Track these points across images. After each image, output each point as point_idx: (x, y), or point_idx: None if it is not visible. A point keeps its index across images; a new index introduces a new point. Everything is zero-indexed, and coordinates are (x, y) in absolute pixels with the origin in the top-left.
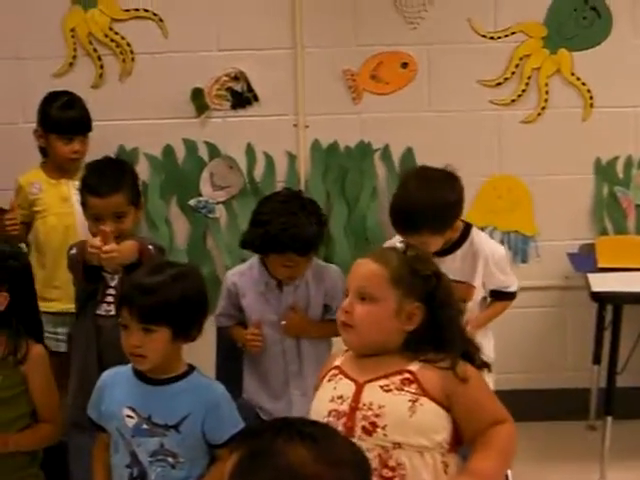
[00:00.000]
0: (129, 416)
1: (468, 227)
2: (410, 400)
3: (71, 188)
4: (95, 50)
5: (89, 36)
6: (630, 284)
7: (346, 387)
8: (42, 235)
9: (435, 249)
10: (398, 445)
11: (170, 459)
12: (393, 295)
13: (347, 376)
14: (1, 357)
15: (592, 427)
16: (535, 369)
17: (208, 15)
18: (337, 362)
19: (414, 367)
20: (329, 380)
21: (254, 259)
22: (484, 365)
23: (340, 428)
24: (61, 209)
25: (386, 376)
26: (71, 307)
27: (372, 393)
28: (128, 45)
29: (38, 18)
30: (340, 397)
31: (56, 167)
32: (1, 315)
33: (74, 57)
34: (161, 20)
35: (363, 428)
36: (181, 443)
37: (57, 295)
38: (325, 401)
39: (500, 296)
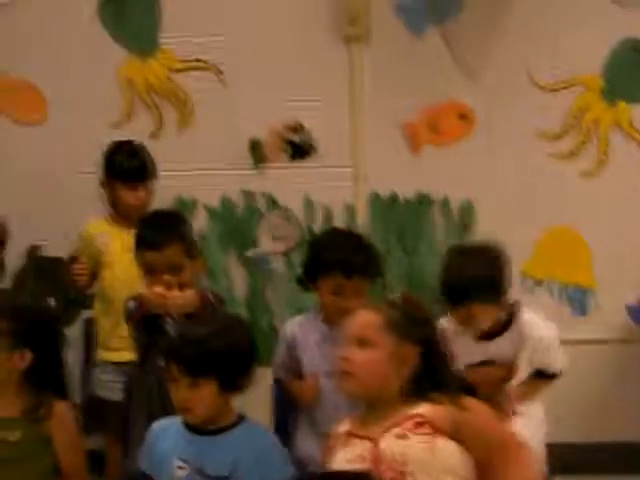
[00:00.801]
0: (180, 467)
1: (515, 307)
2: (426, 442)
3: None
4: (153, 100)
5: (147, 86)
6: None
7: (362, 446)
8: (108, 285)
9: (486, 324)
10: None
11: None
12: (388, 340)
13: (359, 436)
14: (22, 413)
15: None
16: (595, 422)
17: (267, 65)
18: (344, 427)
19: (421, 409)
20: (342, 446)
21: (312, 311)
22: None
23: None
24: (127, 259)
25: (398, 424)
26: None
27: (390, 444)
28: (186, 95)
29: (96, 68)
30: (360, 456)
31: (122, 217)
32: (26, 372)
33: (132, 107)
34: (220, 71)
35: (392, 479)
36: None
37: (121, 345)
38: (346, 465)
39: (541, 374)
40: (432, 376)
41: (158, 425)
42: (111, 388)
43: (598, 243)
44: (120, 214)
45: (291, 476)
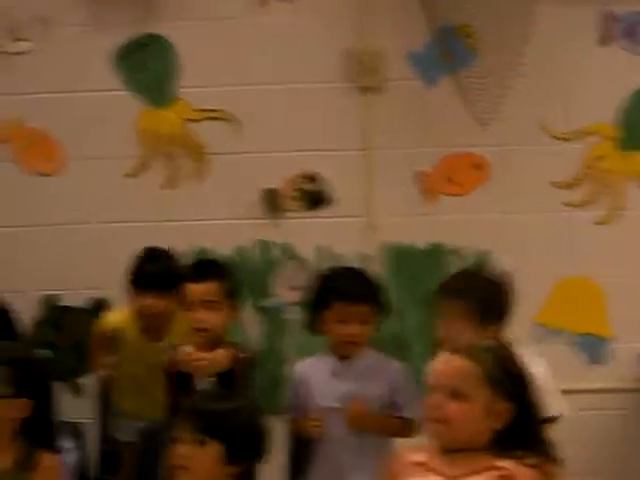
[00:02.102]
0: None
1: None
2: None
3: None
4: (169, 150)
5: (163, 136)
6: None
7: None
8: (125, 369)
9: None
10: None
11: None
12: (484, 394)
13: (435, 471)
14: (14, 464)
15: None
16: (610, 472)
17: (282, 115)
18: (419, 458)
19: (505, 463)
20: (415, 476)
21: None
22: (561, 461)
23: None
24: (149, 364)
25: (477, 472)
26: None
27: None
28: (202, 145)
29: (112, 118)
30: None
31: (144, 325)
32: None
33: (147, 157)
34: (234, 121)
35: None
36: None
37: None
38: None
39: None
40: (520, 434)
41: None
42: (126, 431)
43: (613, 292)
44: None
45: None
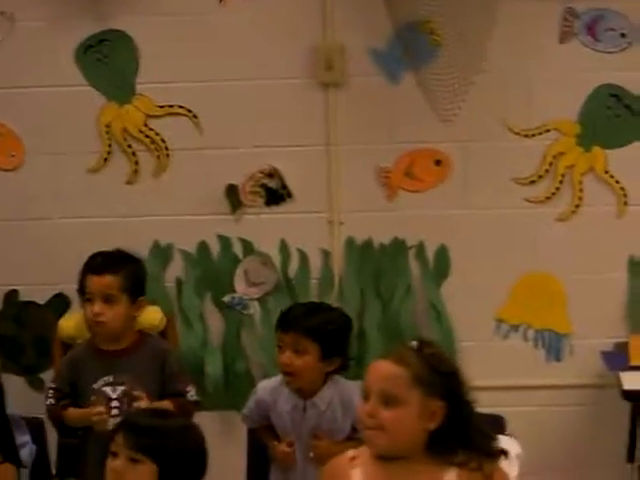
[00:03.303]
0: None
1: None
2: None
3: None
4: (130, 146)
5: (124, 132)
6: None
7: None
8: None
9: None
10: None
11: None
12: (416, 396)
13: None
14: None
15: None
16: (569, 467)
17: (242, 112)
18: (357, 478)
19: (451, 477)
20: None
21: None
22: (503, 453)
23: None
24: None
25: None
26: None
27: None
28: (163, 141)
29: (74, 113)
30: None
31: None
32: None
33: (109, 153)
34: (195, 116)
35: None
36: None
37: None
38: None
39: None
40: (458, 432)
41: None
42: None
43: (574, 288)
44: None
45: None
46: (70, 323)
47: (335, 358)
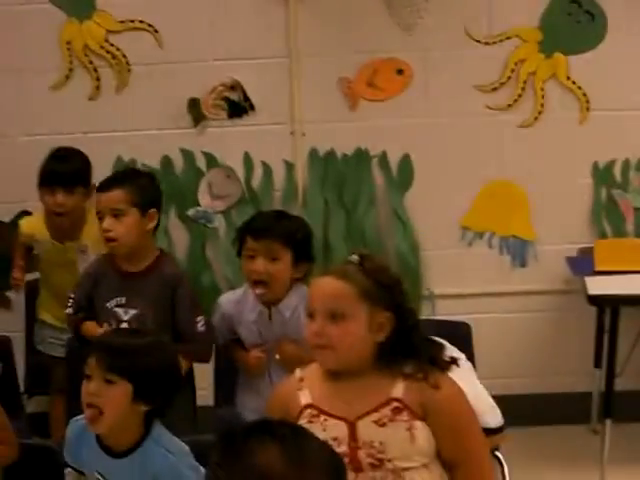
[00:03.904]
0: None
1: None
2: (407, 429)
3: (77, 253)
4: (91, 62)
5: (85, 48)
6: (627, 286)
7: (337, 428)
8: (44, 278)
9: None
10: (407, 468)
11: None
12: (363, 309)
13: (331, 415)
14: None
15: (594, 431)
16: (536, 373)
17: (203, 25)
18: (305, 399)
19: (398, 392)
20: (310, 422)
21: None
22: (452, 362)
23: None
24: (65, 268)
25: (376, 409)
26: None
27: (368, 431)
28: (124, 57)
29: (34, 31)
30: (335, 439)
31: (55, 228)
32: None
33: (70, 69)
34: (156, 31)
35: (370, 464)
36: None
37: (60, 314)
38: None
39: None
40: (404, 342)
41: (73, 428)
42: (52, 344)
43: (537, 195)
44: (52, 225)
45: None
46: (30, 222)
47: (303, 264)
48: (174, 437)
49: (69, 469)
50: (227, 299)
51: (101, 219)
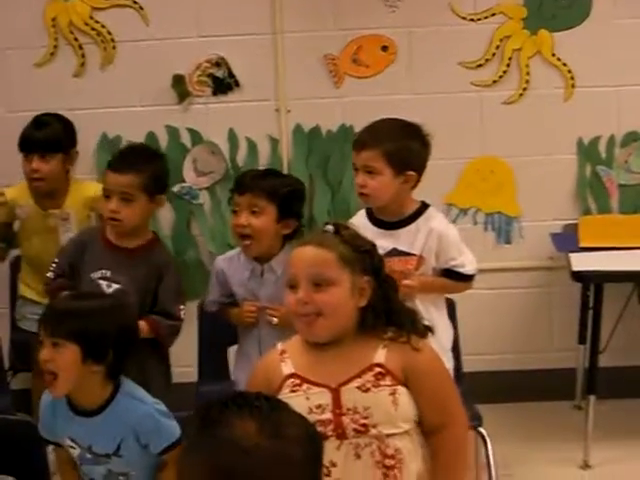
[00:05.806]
0: (72, 446)
1: (425, 206)
2: (390, 394)
3: (58, 221)
4: (76, 39)
5: (70, 25)
6: (611, 263)
7: (320, 396)
8: (25, 249)
9: (374, 191)
10: (391, 435)
11: (122, 478)
12: (345, 274)
13: (314, 383)
14: None
15: (578, 407)
16: (521, 350)
17: (188, 1)
18: (288, 370)
19: (381, 357)
20: (293, 391)
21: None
22: (428, 329)
23: (330, 434)
24: (46, 236)
25: (359, 375)
26: None
27: (352, 397)
28: (109, 33)
29: (19, 8)
30: (319, 406)
31: (36, 194)
32: None
33: (55, 47)
34: (141, 8)
35: (355, 430)
36: (127, 463)
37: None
38: (308, 416)
39: (453, 276)
40: (385, 306)
41: (46, 400)
42: (32, 320)
43: (522, 171)
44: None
45: (176, 438)
46: (15, 188)
47: (290, 220)
48: (144, 390)
49: (52, 445)
50: (222, 257)
51: (108, 197)
